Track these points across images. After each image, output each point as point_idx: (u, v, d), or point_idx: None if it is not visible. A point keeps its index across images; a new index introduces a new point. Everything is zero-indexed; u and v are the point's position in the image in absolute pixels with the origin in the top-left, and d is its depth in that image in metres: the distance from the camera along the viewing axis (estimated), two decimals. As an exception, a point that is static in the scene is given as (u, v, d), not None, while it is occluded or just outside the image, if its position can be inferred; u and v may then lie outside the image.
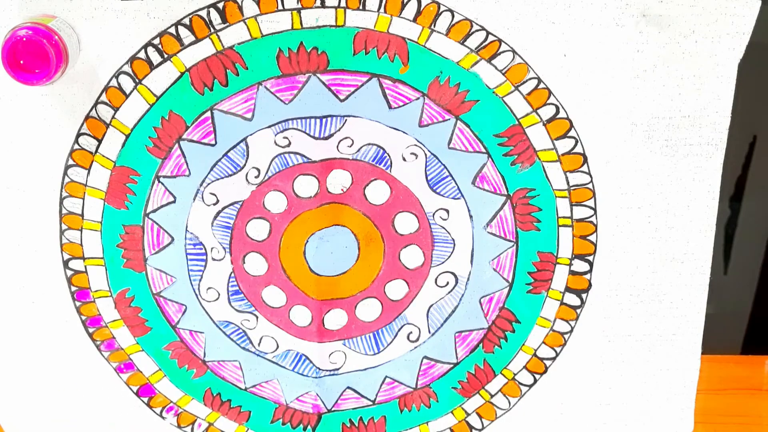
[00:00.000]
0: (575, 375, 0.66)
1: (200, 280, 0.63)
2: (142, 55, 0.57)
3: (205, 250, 0.62)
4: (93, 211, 0.61)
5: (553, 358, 0.66)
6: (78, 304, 0.64)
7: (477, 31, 0.56)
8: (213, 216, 0.61)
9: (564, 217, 0.61)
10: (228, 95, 0.58)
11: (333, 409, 0.67)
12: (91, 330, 0.64)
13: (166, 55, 0.57)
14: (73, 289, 0.63)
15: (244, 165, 0.60)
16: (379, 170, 0.61)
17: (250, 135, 0.59)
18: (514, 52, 0.57)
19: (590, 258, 0.62)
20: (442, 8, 0.56)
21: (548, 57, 0.57)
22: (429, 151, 0.60)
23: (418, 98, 0.58)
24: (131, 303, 0.64)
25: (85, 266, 0.62)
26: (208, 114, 0.59)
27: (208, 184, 0.60)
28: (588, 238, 0.62)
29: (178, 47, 0.56)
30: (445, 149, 0.60)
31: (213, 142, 0.59)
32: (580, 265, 0.63)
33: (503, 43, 0.56)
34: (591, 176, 0.60)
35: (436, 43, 0.57)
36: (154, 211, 0.61)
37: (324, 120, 0.59)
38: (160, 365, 0.66)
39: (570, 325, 0.64)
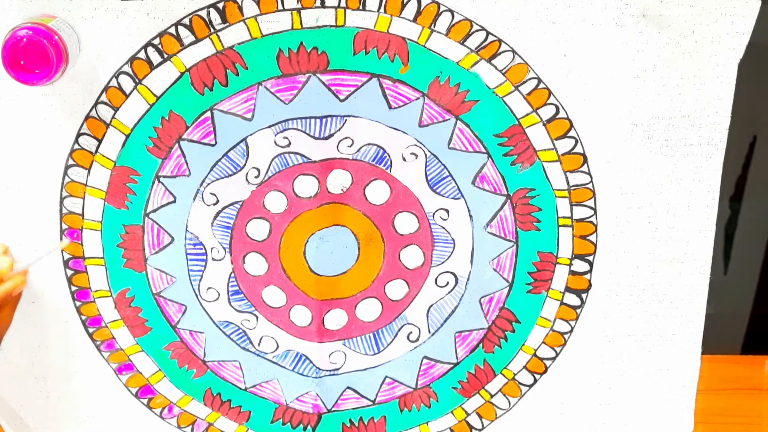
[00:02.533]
0: (575, 375, 0.66)
1: (200, 280, 0.63)
2: (142, 55, 0.57)
3: (205, 250, 0.62)
4: (93, 211, 0.61)
5: (553, 358, 0.66)
6: (78, 304, 0.64)
7: (477, 31, 0.56)
8: (213, 216, 0.61)
9: (564, 217, 0.61)
10: (228, 95, 0.58)
11: (333, 409, 0.67)
12: (91, 330, 0.64)
13: (166, 55, 0.57)
14: (74, 289, 0.63)
15: (244, 165, 0.60)
16: (379, 170, 0.61)
17: (250, 135, 0.59)
18: (514, 52, 0.57)
19: (590, 258, 0.62)
20: (442, 8, 0.56)
21: (548, 57, 0.57)
22: (429, 151, 0.60)
23: (418, 98, 0.58)
24: (131, 303, 0.64)
25: (86, 266, 0.62)
26: (208, 114, 0.59)
27: (208, 184, 0.60)
28: (588, 238, 0.62)
29: (178, 47, 0.56)
30: (445, 149, 0.60)
31: (213, 142, 0.59)
32: (580, 265, 0.63)
33: (503, 43, 0.56)
34: (591, 176, 0.60)
35: (436, 43, 0.57)
36: (154, 210, 0.61)
37: (324, 120, 0.59)
38: (160, 365, 0.66)
39: (570, 325, 0.64)
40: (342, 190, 0.61)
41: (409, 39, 0.57)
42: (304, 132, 0.59)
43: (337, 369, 0.66)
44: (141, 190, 0.60)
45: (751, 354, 0.80)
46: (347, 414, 0.68)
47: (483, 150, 0.60)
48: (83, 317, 0.64)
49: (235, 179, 0.60)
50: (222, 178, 0.60)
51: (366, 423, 0.68)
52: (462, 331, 0.65)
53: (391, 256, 0.63)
